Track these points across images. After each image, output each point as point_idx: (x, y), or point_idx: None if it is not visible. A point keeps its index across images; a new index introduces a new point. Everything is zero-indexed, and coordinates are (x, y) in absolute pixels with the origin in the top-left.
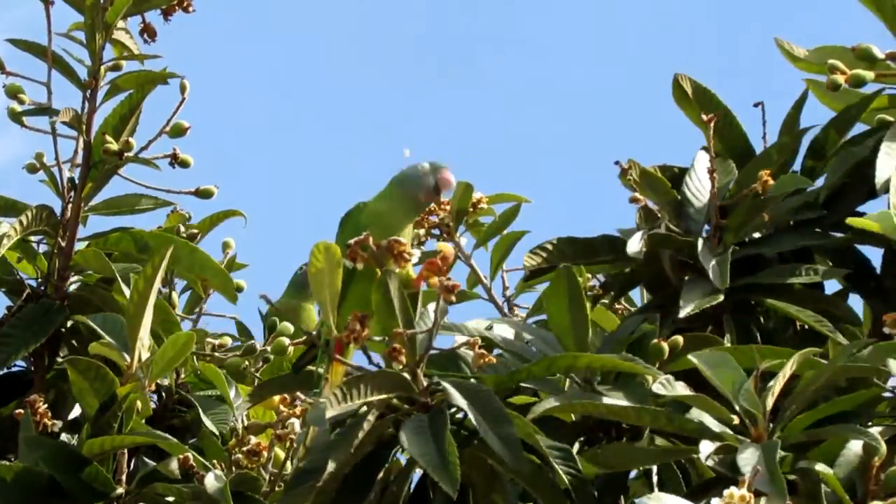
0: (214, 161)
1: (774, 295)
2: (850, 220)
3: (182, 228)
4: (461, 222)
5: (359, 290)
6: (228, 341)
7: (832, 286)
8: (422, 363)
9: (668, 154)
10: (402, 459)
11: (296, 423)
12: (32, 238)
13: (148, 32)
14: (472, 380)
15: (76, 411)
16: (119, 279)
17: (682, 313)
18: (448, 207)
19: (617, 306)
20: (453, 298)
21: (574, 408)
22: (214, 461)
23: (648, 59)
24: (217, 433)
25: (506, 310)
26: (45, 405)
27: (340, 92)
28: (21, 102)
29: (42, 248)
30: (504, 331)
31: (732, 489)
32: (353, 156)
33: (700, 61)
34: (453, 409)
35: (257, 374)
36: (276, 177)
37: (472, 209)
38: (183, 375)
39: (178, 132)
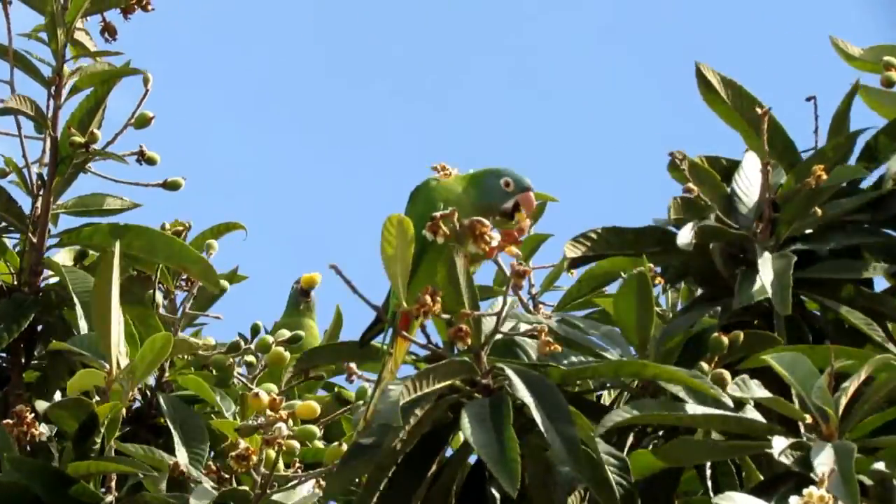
0: (210, 173)
1: (824, 290)
2: None
3: (167, 224)
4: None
5: (429, 267)
6: (212, 341)
7: (880, 283)
8: (487, 346)
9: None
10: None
11: (283, 427)
12: (4, 236)
13: (108, 31)
14: (536, 370)
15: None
16: (76, 301)
17: (736, 305)
18: None
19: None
20: (524, 283)
21: (647, 419)
22: (210, 464)
23: (676, 50)
24: (186, 457)
25: (531, 307)
26: (32, 414)
27: (337, 91)
28: None
29: (15, 247)
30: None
31: (812, 489)
32: (358, 166)
33: (728, 55)
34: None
35: (248, 382)
36: (276, 190)
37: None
38: (167, 374)
39: (142, 123)
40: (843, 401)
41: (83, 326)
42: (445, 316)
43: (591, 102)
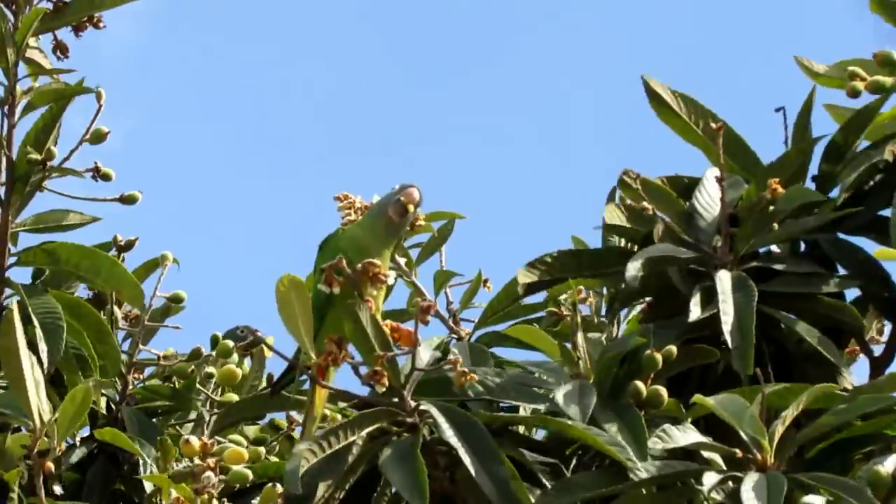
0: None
1: (788, 303)
2: (878, 253)
3: (119, 237)
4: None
5: (336, 316)
6: (174, 352)
7: (851, 293)
8: (408, 385)
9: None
10: None
11: (211, 476)
12: None
13: (60, 49)
14: (464, 408)
15: None
16: (36, 325)
17: (691, 318)
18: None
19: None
20: (429, 319)
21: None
22: None
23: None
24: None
25: (451, 324)
26: None
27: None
28: None
29: None
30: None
31: None
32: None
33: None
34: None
35: (211, 396)
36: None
37: (409, 228)
38: (130, 387)
39: (97, 138)
40: (779, 430)
41: (42, 348)
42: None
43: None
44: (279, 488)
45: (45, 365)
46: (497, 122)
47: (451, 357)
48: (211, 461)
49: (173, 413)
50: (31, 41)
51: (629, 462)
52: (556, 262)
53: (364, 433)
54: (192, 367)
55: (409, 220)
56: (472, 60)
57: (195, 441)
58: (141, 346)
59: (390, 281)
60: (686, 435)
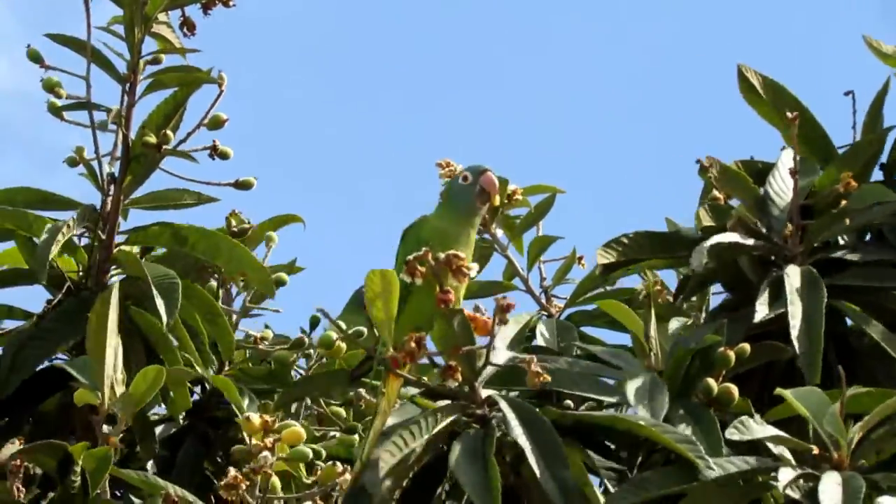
0: (269, 161)
1: (857, 296)
2: None
3: (233, 223)
4: (497, 214)
5: (416, 304)
6: (270, 334)
7: None
8: (480, 376)
9: (736, 148)
10: None
11: (268, 456)
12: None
13: (187, 26)
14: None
15: None
16: (152, 285)
17: (757, 318)
18: None
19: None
20: (508, 318)
21: (651, 494)
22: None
23: (712, 47)
24: (162, 492)
25: (543, 300)
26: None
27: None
28: (59, 97)
29: (83, 242)
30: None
31: None
32: (413, 160)
33: (766, 52)
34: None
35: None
36: (332, 182)
37: (507, 201)
38: (227, 368)
39: (216, 125)
40: (860, 432)
41: (159, 303)
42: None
43: (643, 91)
44: (339, 467)
45: (164, 318)
46: (591, 100)
47: (525, 357)
48: (269, 440)
49: (269, 394)
50: (161, 16)
51: (700, 460)
52: (632, 242)
53: (434, 431)
54: (294, 355)
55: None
56: (575, 36)
57: (256, 418)
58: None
59: (472, 273)
60: (763, 428)
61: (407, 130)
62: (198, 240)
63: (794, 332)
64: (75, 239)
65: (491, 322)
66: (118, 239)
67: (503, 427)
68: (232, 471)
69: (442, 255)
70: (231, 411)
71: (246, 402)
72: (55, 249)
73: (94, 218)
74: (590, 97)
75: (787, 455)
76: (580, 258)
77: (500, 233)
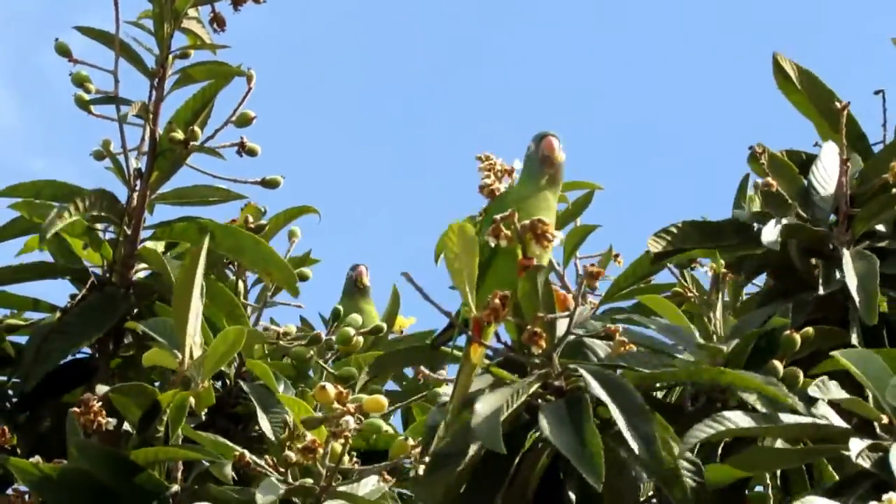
0: (285, 153)
1: None
2: None
3: (250, 219)
4: None
5: (498, 273)
6: (294, 329)
7: None
8: (559, 347)
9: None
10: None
11: (350, 420)
12: (98, 226)
13: (217, 22)
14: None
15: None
16: (172, 277)
17: (823, 291)
18: None
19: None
20: (597, 284)
21: (731, 433)
22: (269, 460)
23: (743, 37)
24: (273, 437)
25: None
26: (100, 403)
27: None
28: (87, 91)
29: (109, 237)
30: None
31: (892, 494)
32: (432, 145)
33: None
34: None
35: (327, 367)
36: (350, 172)
37: None
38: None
39: (244, 122)
40: None
41: None
42: (515, 320)
43: (676, 87)
44: (411, 441)
45: None
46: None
47: (610, 326)
48: (350, 406)
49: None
50: (191, 11)
51: (789, 399)
52: (679, 232)
53: (524, 398)
54: (311, 352)
55: (561, 168)
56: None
57: (331, 388)
58: (260, 323)
59: (556, 242)
60: (839, 392)
61: (437, 125)
62: (223, 237)
63: (853, 286)
64: (101, 234)
65: (577, 292)
66: (144, 234)
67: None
68: (310, 434)
69: (527, 221)
70: (251, 407)
71: (281, 388)
72: (61, 223)
73: (119, 212)
74: (620, 89)
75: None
76: (616, 255)
77: None
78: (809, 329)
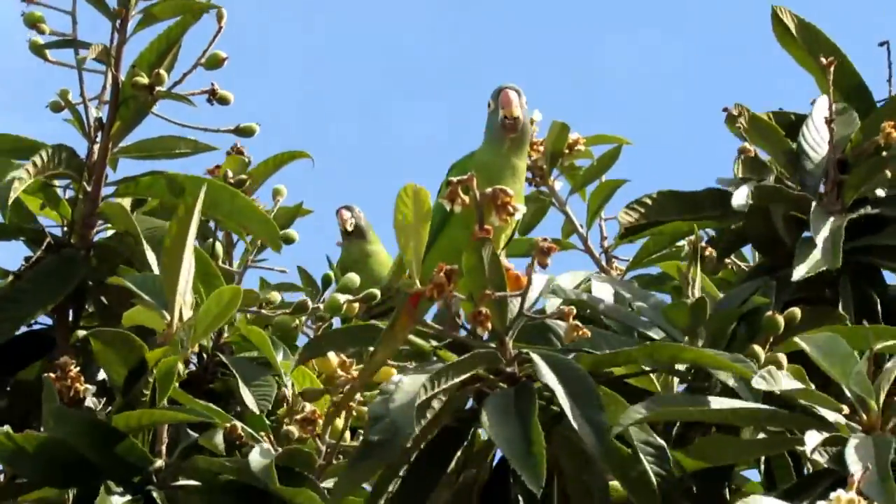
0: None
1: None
2: None
3: (229, 174)
4: (555, 165)
5: (449, 241)
6: (277, 297)
7: None
8: (512, 330)
9: (780, 98)
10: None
11: (356, 388)
12: (57, 183)
13: None
14: (566, 355)
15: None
16: (143, 241)
17: (795, 277)
18: (542, 148)
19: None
20: (548, 262)
21: (665, 415)
22: (263, 433)
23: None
24: (257, 411)
25: (603, 262)
26: (77, 368)
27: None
28: (41, 32)
29: (69, 195)
30: (604, 291)
31: (840, 492)
32: (434, 96)
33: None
34: (541, 385)
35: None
36: (344, 117)
37: (567, 151)
38: (226, 334)
39: (214, 64)
40: (885, 386)
41: (152, 260)
42: (461, 296)
43: (699, 39)
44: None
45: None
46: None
47: (563, 308)
48: (354, 372)
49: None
50: None
51: (756, 377)
52: (654, 203)
53: (458, 380)
54: (297, 321)
55: (526, 127)
56: None
57: (334, 357)
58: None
59: (518, 216)
60: (791, 381)
61: (446, 64)
62: (195, 191)
63: (820, 242)
64: (59, 192)
65: (528, 270)
66: (106, 191)
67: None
68: (309, 406)
69: (489, 189)
70: (231, 383)
71: (280, 357)
72: (20, 187)
73: (78, 167)
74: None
75: (840, 419)
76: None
77: (558, 186)
78: (795, 310)
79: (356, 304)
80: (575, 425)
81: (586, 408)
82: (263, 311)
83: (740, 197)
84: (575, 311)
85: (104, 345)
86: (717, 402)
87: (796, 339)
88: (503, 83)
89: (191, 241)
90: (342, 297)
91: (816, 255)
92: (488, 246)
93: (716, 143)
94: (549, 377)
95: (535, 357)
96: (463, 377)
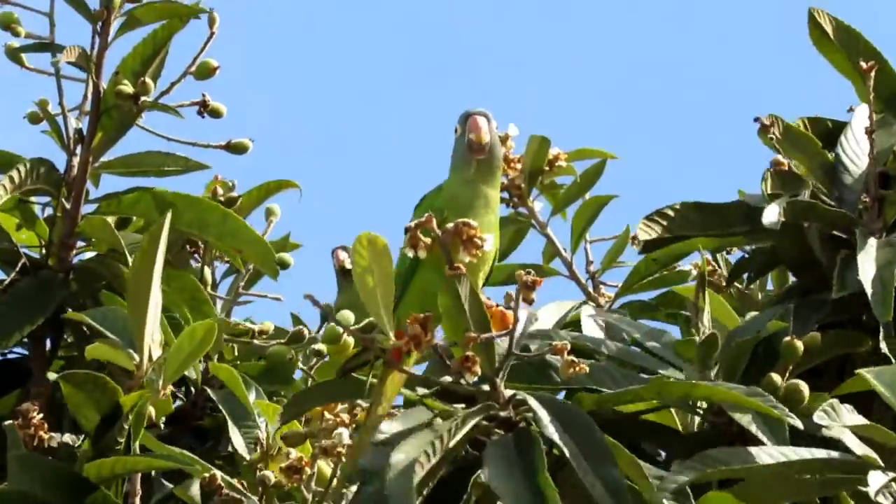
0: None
1: None
2: None
3: (219, 191)
4: (535, 183)
5: (423, 287)
6: (271, 327)
7: None
8: (502, 372)
9: (814, 107)
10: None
11: (344, 434)
12: (34, 200)
13: None
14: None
15: None
16: (128, 255)
17: (835, 295)
18: (519, 166)
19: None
20: (534, 297)
21: (712, 475)
22: (242, 483)
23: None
24: (247, 455)
25: (590, 288)
26: (40, 415)
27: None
28: (15, 34)
29: (49, 213)
30: (592, 328)
31: None
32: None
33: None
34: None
35: (311, 374)
36: (337, 144)
37: (547, 168)
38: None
39: (205, 73)
40: None
41: None
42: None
43: (706, 40)
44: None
45: None
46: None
47: (556, 343)
48: (345, 416)
49: (271, 396)
50: None
51: (787, 417)
52: (677, 215)
53: (458, 437)
54: (292, 352)
55: (498, 152)
56: None
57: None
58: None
59: (487, 247)
60: (854, 416)
61: (429, 84)
62: (183, 209)
63: (866, 280)
64: (37, 209)
65: (514, 307)
66: (87, 209)
67: (531, 425)
68: (293, 452)
69: (450, 225)
70: (220, 419)
71: (252, 397)
72: None
73: (56, 182)
74: (642, 47)
75: (869, 451)
76: (634, 236)
77: (538, 206)
78: (815, 334)
79: (351, 342)
80: (586, 483)
81: (598, 465)
82: (255, 341)
83: (772, 214)
84: (569, 345)
85: (74, 388)
86: (767, 456)
87: (862, 371)
88: (470, 108)
89: (157, 272)
90: (339, 328)
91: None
92: (465, 283)
93: (736, 154)
94: (551, 430)
95: (533, 403)
96: (466, 430)
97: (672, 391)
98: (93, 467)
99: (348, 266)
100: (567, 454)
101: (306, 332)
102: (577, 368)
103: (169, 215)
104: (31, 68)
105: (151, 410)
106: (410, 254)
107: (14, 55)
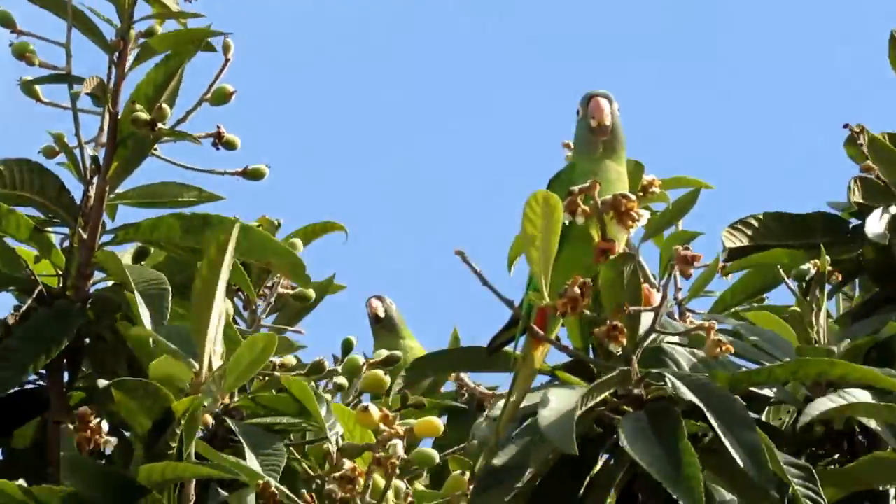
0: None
1: None
2: None
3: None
4: None
5: (571, 256)
6: (293, 360)
7: None
8: (640, 347)
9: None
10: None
11: (399, 445)
12: (51, 230)
13: None
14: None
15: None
16: (136, 293)
17: None
18: None
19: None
20: (691, 272)
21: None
22: (304, 491)
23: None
24: (259, 481)
25: (676, 316)
26: (98, 419)
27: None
28: (30, 63)
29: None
30: None
31: None
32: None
33: None
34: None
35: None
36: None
37: (641, 193)
38: (236, 398)
39: (220, 99)
40: None
41: (143, 314)
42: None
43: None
44: (466, 476)
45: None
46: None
47: (703, 322)
48: (399, 428)
49: (292, 431)
50: None
51: None
52: (760, 225)
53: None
54: (312, 383)
55: (620, 132)
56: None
57: (375, 409)
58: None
59: (643, 220)
60: None
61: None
62: (208, 230)
63: None
64: (54, 239)
65: (665, 283)
66: (104, 238)
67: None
68: (348, 462)
69: (608, 196)
70: (240, 451)
71: (323, 411)
72: None
73: (73, 212)
74: (729, 70)
75: None
76: (724, 266)
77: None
78: None
79: (387, 378)
80: (727, 444)
81: (736, 428)
82: (277, 373)
83: (876, 225)
84: (716, 324)
85: (126, 395)
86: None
87: None
88: (592, 90)
89: (223, 284)
90: (361, 358)
91: None
92: (630, 262)
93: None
94: (690, 396)
95: (670, 377)
96: (601, 398)
97: (809, 369)
98: (144, 472)
99: (381, 315)
100: (708, 416)
101: (326, 364)
102: (724, 348)
103: (238, 225)
104: (46, 102)
105: (207, 418)
106: (567, 220)
107: (30, 90)
